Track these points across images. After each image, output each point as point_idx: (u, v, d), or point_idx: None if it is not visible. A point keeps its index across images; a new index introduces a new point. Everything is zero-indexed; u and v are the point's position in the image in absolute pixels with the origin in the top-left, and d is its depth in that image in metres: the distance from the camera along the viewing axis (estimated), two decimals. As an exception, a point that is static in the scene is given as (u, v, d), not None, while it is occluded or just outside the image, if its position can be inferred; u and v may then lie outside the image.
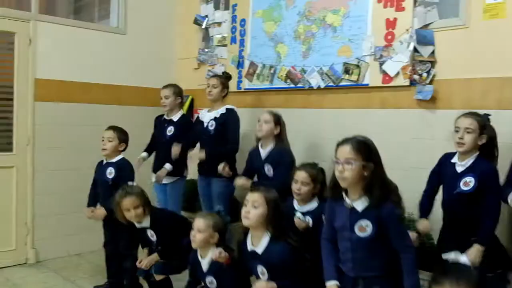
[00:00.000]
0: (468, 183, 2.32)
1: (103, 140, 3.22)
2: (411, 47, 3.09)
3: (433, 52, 3.05)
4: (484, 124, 2.36)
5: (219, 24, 4.31)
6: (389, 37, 3.22)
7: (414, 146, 3.10)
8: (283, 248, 2.26)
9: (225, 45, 4.27)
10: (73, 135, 4.09)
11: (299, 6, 3.72)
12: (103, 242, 3.34)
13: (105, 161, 3.27)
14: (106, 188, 3.18)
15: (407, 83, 3.13)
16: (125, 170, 3.20)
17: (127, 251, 3.14)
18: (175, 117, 3.73)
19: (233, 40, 4.19)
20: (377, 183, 1.89)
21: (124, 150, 3.28)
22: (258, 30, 4.00)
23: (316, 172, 2.66)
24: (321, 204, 2.56)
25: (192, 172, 3.86)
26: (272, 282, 2.24)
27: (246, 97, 4.05)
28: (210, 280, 2.48)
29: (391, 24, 3.21)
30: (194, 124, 3.81)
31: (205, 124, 3.58)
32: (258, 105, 3.90)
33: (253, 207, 2.28)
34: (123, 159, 3.26)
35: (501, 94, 2.79)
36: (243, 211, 2.31)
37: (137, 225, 2.91)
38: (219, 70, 4.21)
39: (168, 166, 3.58)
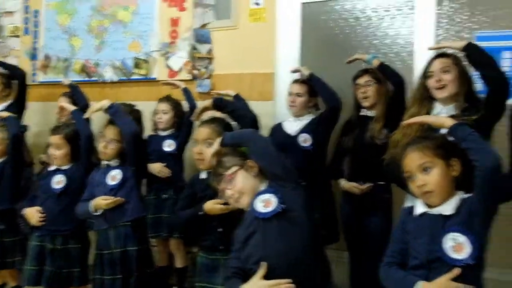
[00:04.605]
0: None
1: None
2: (191, 45, 3.39)
3: (210, 50, 3.40)
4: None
5: (11, 13, 4.13)
6: (174, 34, 3.47)
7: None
8: None
9: (17, 36, 4.10)
10: None
11: (91, 0, 3.77)
12: None
13: None
14: None
15: (190, 77, 3.41)
16: None
17: None
18: None
19: (26, 31, 4.05)
20: None
21: None
22: (52, 22, 3.94)
23: None
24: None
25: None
26: None
27: (41, 90, 3.96)
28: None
29: (175, 22, 3.47)
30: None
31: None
32: (52, 98, 3.83)
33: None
34: None
35: (263, 88, 3.23)
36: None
37: None
38: (12, 61, 4.03)
39: None
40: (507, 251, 2.48)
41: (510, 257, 2.54)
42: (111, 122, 2.43)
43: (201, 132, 2.17)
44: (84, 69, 3.79)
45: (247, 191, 1.73)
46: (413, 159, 1.50)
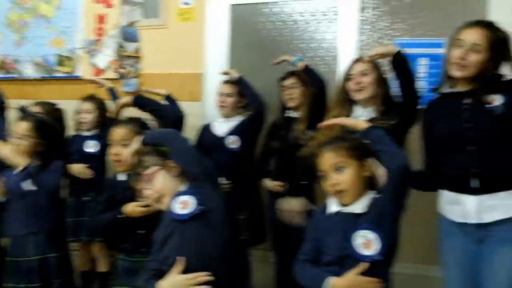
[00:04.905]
0: None
1: None
2: (118, 43, 3.30)
3: (138, 49, 3.32)
4: None
5: None
6: (100, 31, 3.37)
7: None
8: None
9: None
10: None
11: (10, -8, 3.58)
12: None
13: None
14: None
15: (116, 76, 3.32)
16: None
17: None
18: None
19: None
20: None
21: None
22: (-34, 14, 3.68)
23: None
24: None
25: None
26: None
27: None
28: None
29: (101, 19, 3.37)
30: None
31: None
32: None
33: None
34: None
35: (192, 88, 3.20)
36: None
37: None
38: None
39: None
40: (414, 247, 2.61)
41: (417, 253, 2.69)
42: (22, 118, 2.29)
43: (117, 132, 2.09)
44: (2, 65, 3.58)
45: (167, 191, 1.69)
46: (327, 159, 1.53)
